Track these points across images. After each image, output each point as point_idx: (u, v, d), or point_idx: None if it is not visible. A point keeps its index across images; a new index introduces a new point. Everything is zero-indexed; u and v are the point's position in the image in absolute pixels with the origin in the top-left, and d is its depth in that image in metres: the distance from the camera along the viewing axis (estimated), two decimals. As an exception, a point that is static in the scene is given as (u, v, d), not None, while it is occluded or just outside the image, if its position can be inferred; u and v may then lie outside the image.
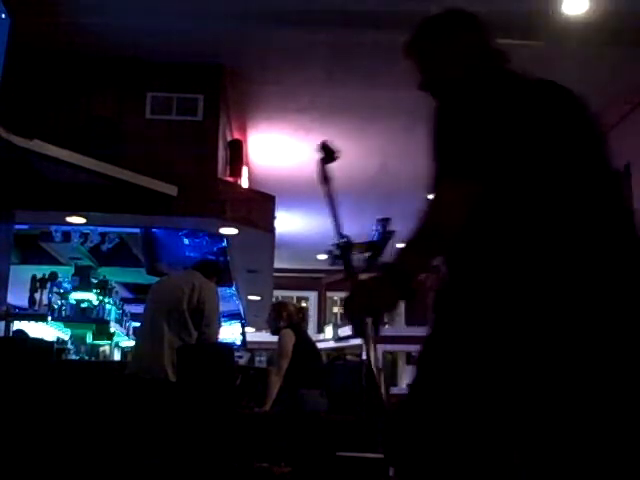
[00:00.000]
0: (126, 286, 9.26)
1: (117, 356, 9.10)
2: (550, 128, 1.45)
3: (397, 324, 15.86)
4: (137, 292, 9.24)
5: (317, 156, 1.99)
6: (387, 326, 15.75)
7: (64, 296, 7.52)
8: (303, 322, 5.50)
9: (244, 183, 7.59)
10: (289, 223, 10.93)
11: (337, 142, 7.42)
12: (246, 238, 6.64)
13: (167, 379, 4.33)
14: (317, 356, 5.41)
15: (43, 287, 6.99)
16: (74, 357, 7.07)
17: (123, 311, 8.98)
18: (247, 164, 8.19)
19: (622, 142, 6.61)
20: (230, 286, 7.95)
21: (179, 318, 4.51)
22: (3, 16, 4.91)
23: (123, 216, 6.07)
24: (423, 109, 6.39)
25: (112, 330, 8.21)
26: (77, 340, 7.54)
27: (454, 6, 1.81)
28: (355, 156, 8.50)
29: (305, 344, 5.25)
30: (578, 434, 1.21)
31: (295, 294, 15.85)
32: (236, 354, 7.13)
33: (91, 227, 6.52)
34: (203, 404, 4.15)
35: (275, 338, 5.29)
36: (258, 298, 9.64)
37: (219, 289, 5.20)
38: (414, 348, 14.55)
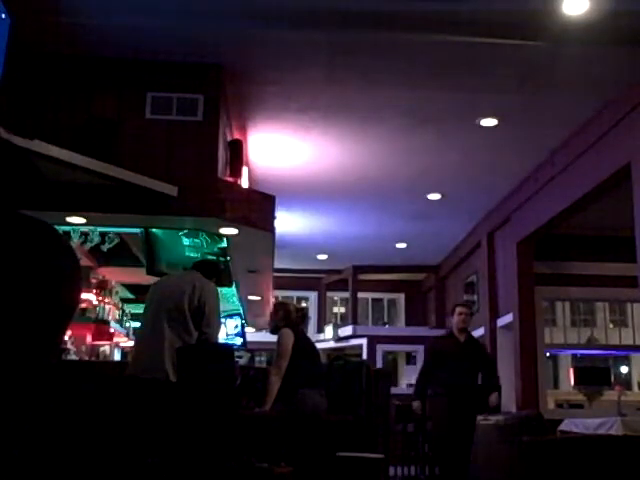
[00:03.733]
0: (126, 286, 9.26)
1: (117, 356, 9.11)
2: None
3: (397, 324, 15.87)
4: (137, 292, 9.25)
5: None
6: (387, 326, 15.77)
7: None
8: (302, 322, 5.51)
9: (244, 183, 7.58)
10: (289, 223, 10.93)
11: (337, 142, 7.54)
12: (246, 238, 6.63)
13: (168, 379, 4.33)
14: (316, 356, 5.41)
15: (43, 287, 6.99)
16: (74, 357, 7.07)
17: (123, 311, 8.98)
18: (247, 164, 8.19)
19: (622, 142, 6.61)
20: (230, 286, 7.94)
21: (180, 318, 4.52)
22: (3, 16, 4.91)
23: (123, 216, 6.07)
24: (423, 109, 6.48)
25: (112, 330, 8.22)
26: (77, 340, 7.55)
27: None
28: (355, 156, 8.50)
29: (304, 344, 5.25)
30: None
31: (295, 294, 15.83)
32: (236, 354, 7.13)
33: (91, 227, 6.52)
34: (203, 404, 4.15)
35: (275, 338, 5.30)
36: (258, 298, 9.63)
37: (219, 289, 5.20)
38: (414, 348, 14.57)
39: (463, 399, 6.23)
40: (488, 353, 6.87)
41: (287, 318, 5.27)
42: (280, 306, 5.46)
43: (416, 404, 6.48)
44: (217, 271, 5.14)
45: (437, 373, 6.39)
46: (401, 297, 15.92)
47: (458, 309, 6.67)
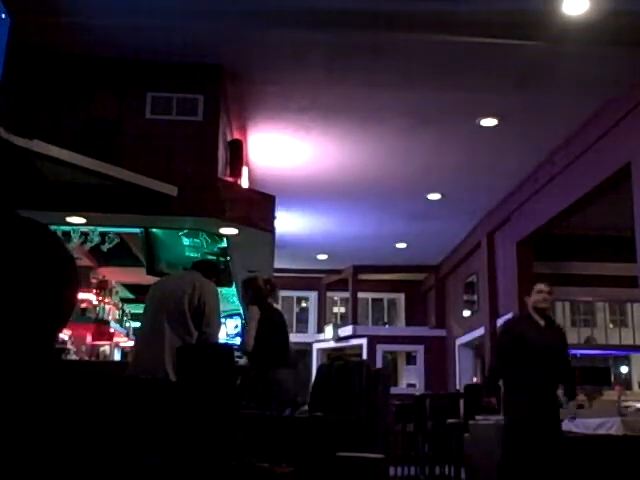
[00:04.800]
0: (126, 286, 9.26)
1: (117, 356, 9.10)
2: None
3: (397, 324, 15.87)
4: (137, 292, 9.25)
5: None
6: (387, 326, 15.77)
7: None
8: (272, 293, 5.61)
9: (244, 183, 7.58)
10: (289, 223, 10.93)
11: (337, 142, 7.54)
12: (246, 238, 6.63)
13: (168, 379, 4.33)
14: (283, 332, 5.48)
15: (43, 287, 6.98)
16: (74, 357, 7.06)
17: (123, 311, 8.98)
18: (247, 164, 8.19)
19: (622, 142, 6.61)
20: (230, 286, 7.94)
21: (180, 318, 4.52)
22: (3, 16, 4.91)
23: (123, 216, 6.07)
24: (423, 109, 6.48)
25: (112, 330, 8.21)
26: (77, 340, 7.54)
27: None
28: (355, 156, 8.50)
29: (271, 316, 5.36)
30: None
31: (295, 294, 15.84)
32: (236, 354, 7.13)
33: (91, 227, 6.52)
34: (203, 404, 4.15)
35: None
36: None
37: (219, 289, 5.21)
38: (414, 348, 14.58)
39: (546, 399, 5.25)
40: (567, 349, 5.66)
41: (258, 294, 5.39)
42: (248, 283, 5.56)
43: (494, 400, 5.42)
44: (217, 271, 5.15)
45: (514, 364, 5.30)
46: (401, 297, 15.92)
47: (538, 286, 5.57)
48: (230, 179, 7.00)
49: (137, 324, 7.90)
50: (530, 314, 5.47)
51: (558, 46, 5.84)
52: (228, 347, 6.85)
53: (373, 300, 16.12)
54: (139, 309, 7.98)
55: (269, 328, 5.27)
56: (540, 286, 5.54)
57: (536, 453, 5.09)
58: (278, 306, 5.92)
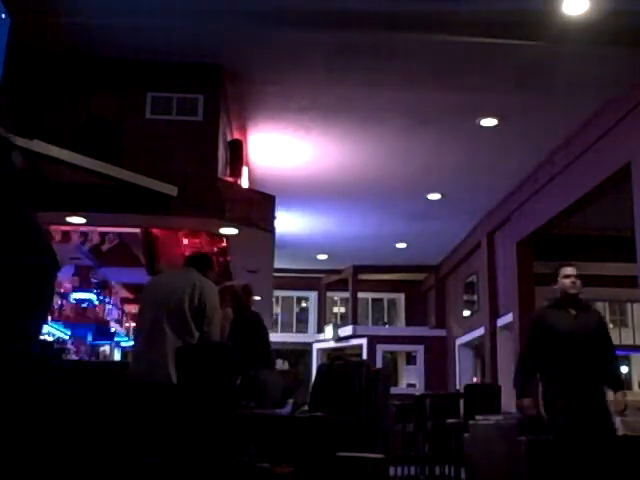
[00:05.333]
0: (126, 286, 9.26)
1: (117, 356, 9.11)
2: None
3: (397, 324, 15.87)
4: (137, 292, 9.25)
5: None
6: (387, 326, 15.77)
7: (64, 296, 7.52)
8: (249, 299, 5.59)
9: (244, 183, 7.58)
10: (289, 223, 10.93)
11: (337, 142, 7.55)
12: (246, 238, 6.63)
13: (170, 381, 4.31)
14: (265, 333, 5.49)
15: (43, 287, 6.98)
16: (74, 357, 7.06)
17: (123, 311, 8.99)
18: (247, 164, 8.19)
19: (622, 142, 6.61)
20: (230, 286, 7.94)
21: (181, 319, 4.49)
22: (3, 16, 4.91)
23: (123, 216, 6.07)
24: (423, 109, 6.48)
25: (112, 330, 8.22)
26: (77, 340, 7.55)
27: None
28: (355, 156, 8.50)
29: (257, 323, 5.38)
30: None
31: (295, 294, 15.84)
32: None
33: (91, 227, 6.52)
34: (203, 404, 4.15)
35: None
36: (258, 298, 9.63)
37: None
38: (414, 348, 14.57)
39: (587, 398, 4.55)
40: (609, 333, 4.87)
41: (237, 301, 5.38)
42: (226, 290, 5.52)
43: (527, 402, 4.72)
44: (211, 264, 5.10)
45: (546, 361, 4.63)
46: (401, 297, 15.93)
47: (564, 270, 4.79)
48: (230, 179, 7.00)
49: (137, 324, 7.90)
50: (559, 303, 4.79)
51: (558, 46, 5.84)
52: (228, 347, 6.84)
53: (373, 300, 16.12)
54: (139, 309, 7.98)
55: (254, 330, 5.27)
56: (567, 270, 4.79)
57: (587, 456, 4.53)
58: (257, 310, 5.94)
